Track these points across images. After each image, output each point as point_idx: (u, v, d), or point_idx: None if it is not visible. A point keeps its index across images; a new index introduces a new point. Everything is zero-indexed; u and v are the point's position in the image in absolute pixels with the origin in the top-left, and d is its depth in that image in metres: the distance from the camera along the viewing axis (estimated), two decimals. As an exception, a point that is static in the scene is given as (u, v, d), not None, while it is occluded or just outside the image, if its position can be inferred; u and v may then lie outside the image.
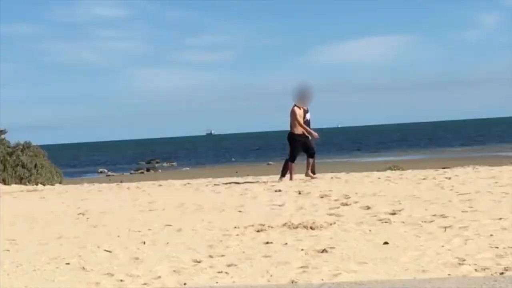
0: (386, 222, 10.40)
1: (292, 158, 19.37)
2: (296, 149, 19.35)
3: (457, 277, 6.54)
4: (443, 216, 10.63)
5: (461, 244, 8.31)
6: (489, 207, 11.35)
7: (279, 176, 19.55)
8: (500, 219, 9.97)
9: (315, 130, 19.26)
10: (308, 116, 19.48)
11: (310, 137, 19.39)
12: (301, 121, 19.04)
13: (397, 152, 70.38)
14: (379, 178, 18.17)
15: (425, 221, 10.20)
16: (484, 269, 6.90)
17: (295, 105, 19.33)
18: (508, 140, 78.30)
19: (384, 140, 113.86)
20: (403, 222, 10.26)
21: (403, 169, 22.74)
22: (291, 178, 19.09)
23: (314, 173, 19.44)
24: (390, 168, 24.31)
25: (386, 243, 8.66)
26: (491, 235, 8.75)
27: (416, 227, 9.73)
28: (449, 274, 6.78)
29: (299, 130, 19.18)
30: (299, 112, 19.09)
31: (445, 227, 9.53)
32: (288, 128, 19.38)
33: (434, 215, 10.74)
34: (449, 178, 16.87)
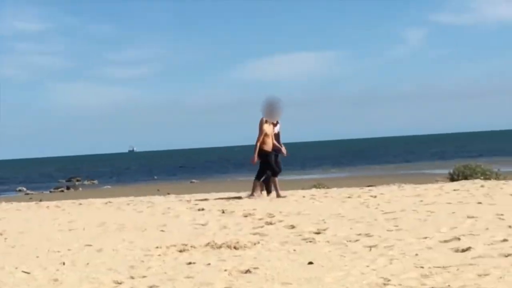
0: (310, 241, 10.43)
1: (258, 176, 18.94)
2: (268, 166, 18.87)
3: (381, 298, 6.57)
4: (368, 235, 10.70)
5: (386, 263, 8.36)
6: (414, 226, 11.46)
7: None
8: (425, 238, 10.07)
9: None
10: (277, 129, 19.25)
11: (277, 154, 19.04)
12: (261, 138, 18.59)
13: (322, 170, 70.94)
14: (303, 197, 18.26)
15: (350, 241, 10.25)
16: (409, 290, 6.95)
17: (263, 119, 18.92)
18: (434, 158, 79.48)
19: (310, 156, 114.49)
20: (328, 242, 10.30)
21: (328, 187, 22.90)
22: (253, 194, 18.86)
23: (268, 192, 19.13)
24: (315, 186, 24.45)
25: (310, 263, 8.67)
26: (416, 254, 8.82)
27: (341, 247, 9.77)
28: (374, 295, 6.81)
29: (268, 147, 18.78)
30: (266, 128, 18.74)
31: (370, 247, 9.59)
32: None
33: (359, 234, 10.81)
34: (375, 197, 17.01)
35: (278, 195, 18.52)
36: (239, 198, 18.70)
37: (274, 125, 19.18)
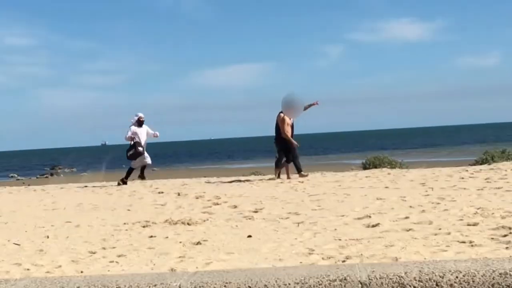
0: (250, 218, 10.41)
1: (288, 160, 18.82)
2: (287, 153, 18.76)
3: (307, 264, 6.56)
4: (296, 213, 10.70)
5: (311, 236, 8.36)
6: (334, 206, 11.49)
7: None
8: (343, 216, 10.09)
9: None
10: (291, 120, 18.97)
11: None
12: (288, 129, 18.60)
13: (260, 160, 70.98)
14: (244, 182, 18.23)
15: (281, 218, 10.24)
16: (329, 258, 6.95)
17: (281, 113, 18.78)
18: (348, 150, 79.97)
19: (250, 149, 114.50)
20: (264, 219, 10.28)
21: (264, 174, 22.84)
22: (279, 176, 18.88)
23: (279, 176, 18.98)
24: (253, 173, 24.38)
25: (249, 236, 8.64)
26: (335, 229, 8.84)
27: (275, 223, 9.76)
28: (301, 262, 6.80)
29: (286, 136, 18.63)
30: (287, 121, 18.65)
31: (298, 223, 9.59)
32: (273, 134, 18.95)
33: (289, 213, 10.80)
34: (302, 182, 17.04)
35: (288, 177, 18.56)
36: (192, 183, 18.64)
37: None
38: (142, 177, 20.55)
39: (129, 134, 20.32)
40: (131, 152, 20.32)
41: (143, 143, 20.45)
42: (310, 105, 19.18)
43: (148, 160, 20.53)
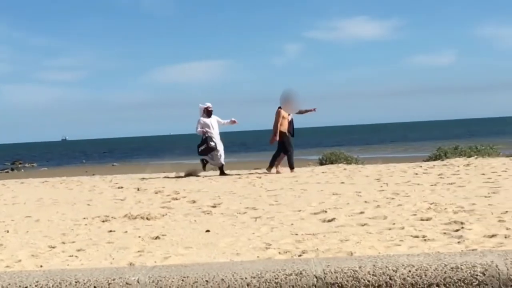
0: (208, 213, 10.40)
1: (284, 152, 18.89)
2: (282, 146, 18.86)
3: (264, 259, 6.58)
4: (254, 208, 10.72)
5: (268, 231, 8.38)
6: (291, 201, 11.53)
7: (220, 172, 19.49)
8: (299, 211, 10.13)
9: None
10: (290, 117, 19.02)
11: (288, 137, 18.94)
12: (284, 122, 18.69)
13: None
14: (203, 177, 18.22)
15: (239, 213, 10.25)
16: (286, 252, 6.97)
17: (279, 109, 18.80)
18: (305, 146, 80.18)
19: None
20: (222, 214, 10.28)
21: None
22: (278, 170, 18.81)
23: (292, 168, 18.86)
24: (212, 169, 24.32)
25: (207, 231, 8.64)
26: (292, 224, 8.87)
27: (232, 218, 9.77)
28: (258, 257, 6.81)
29: (283, 128, 18.72)
30: (283, 114, 18.69)
31: (256, 218, 9.60)
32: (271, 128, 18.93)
33: (247, 208, 10.82)
34: (260, 177, 17.07)
35: (277, 171, 18.61)
36: (151, 178, 18.59)
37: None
38: (222, 173, 19.64)
39: (199, 127, 19.27)
40: (202, 148, 19.34)
41: (215, 135, 19.45)
42: (307, 111, 19.39)
43: (222, 159, 19.57)
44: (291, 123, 19.00)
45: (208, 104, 19.42)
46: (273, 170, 18.90)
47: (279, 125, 18.62)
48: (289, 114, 19.01)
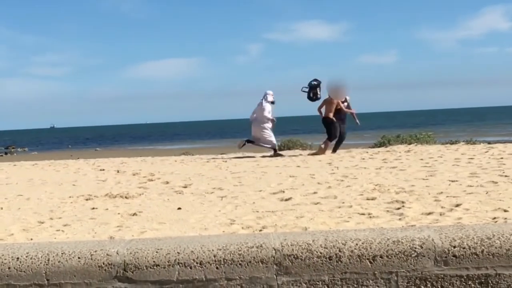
0: (180, 193, 10.37)
1: (332, 137, 18.45)
2: (334, 129, 18.34)
3: (228, 233, 6.58)
4: (220, 189, 10.72)
5: (233, 209, 8.39)
6: (253, 182, 11.55)
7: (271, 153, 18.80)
8: (260, 191, 10.15)
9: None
10: (346, 103, 18.81)
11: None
12: (331, 109, 18.29)
13: (189, 142, 70.85)
14: (175, 161, 18.16)
15: (207, 193, 10.24)
16: (248, 227, 6.99)
17: (328, 97, 18.43)
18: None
19: (180, 132, 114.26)
20: (192, 193, 10.26)
21: (193, 155, 22.79)
22: (324, 153, 18.15)
23: (335, 151, 18.47)
24: (184, 154, 24.27)
25: (179, 208, 8.63)
26: (253, 202, 8.89)
27: (201, 197, 9.76)
28: (223, 231, 6.82)
29: (332, 116, 18.30)
30: (333, 101, 18.36)
31: (222, 197, 9.60)
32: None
33: (214, 188, 10.81)
34: (225, 161, 17.06)
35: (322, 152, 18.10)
36: (130, 161, 18.48)
37: (343, 101, 18.68)
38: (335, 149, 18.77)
39: (270, 115, 18.64)
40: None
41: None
42: (352, 113, 19.19)
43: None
44: (343, 107, 18.61)
45: (271, 92, 18.91)
46: (328, 152, 18.36)
47: (329, 112, 18.37)
48: (343, 101, 18.71)
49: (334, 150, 18.67)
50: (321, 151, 18.28)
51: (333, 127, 18.35)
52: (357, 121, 19.22)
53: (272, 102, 18.83)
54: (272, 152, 18.73)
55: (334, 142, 18.71)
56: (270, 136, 18.67)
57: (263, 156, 18.39)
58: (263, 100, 18.69)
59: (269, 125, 18.67)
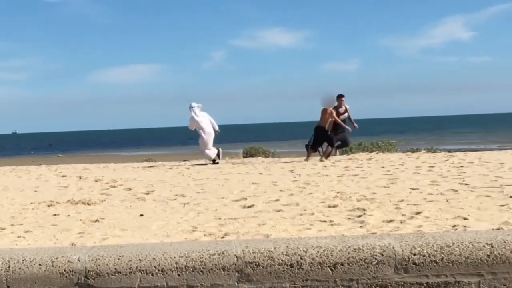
0: (142, 199, 10.32)
1: (331, 144, 18.57)
2: (326, 138, 18.48)
3: (190, 240, 6.56)
4: (183, 195, 10.69)
5: (195, 216, 8.37)
6: (215, 189, 11.54)
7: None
8: (223, 198, 10.14)
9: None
10: (346, 114, 19.08)
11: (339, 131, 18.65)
12: (327, 119, 18.42)
13: (153, 148, 70.53)
14: (138, 168, 18.07)
15: (170, 199, 10.21)
16: (210, 234, 6.98)
17: (325, 108, 18.56)
18: (230, 141, 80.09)
19: (144, 139, 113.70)
20: (155, 200, 10.22)
21: (155, 161, 22.67)
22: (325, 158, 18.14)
23: (327, 158, 18.21)
24: (146, 160, 24.14)
25: (141, 215, 8.59)
26: (216, 209, 8.88)
27: (164, 204, 9.72)
28: (185, 238, 6.81)
29: (328, 125, 18.39)
30: (331, 111, 18.51)
31: (184, 204, 9.58)
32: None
33: (177, 195, 10.78)
34: (188, 168, 17.03)
35: (320, 159, 17.96)
36: (92, 168, 18.32)
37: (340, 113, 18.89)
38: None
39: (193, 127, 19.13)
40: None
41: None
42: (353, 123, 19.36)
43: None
44: (341, 113, 18.88)
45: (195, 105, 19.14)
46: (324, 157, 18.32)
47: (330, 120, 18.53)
48: (342, 113, 18.96)
49: (327, 156, 18.81)
50: (322, 157, 18.37)
51: (323, 135, 18.55)
52: (355, 125, 19.42)
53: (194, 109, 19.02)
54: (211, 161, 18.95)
55: (323, 148, 18.96)
56: (202, 146, 19.02)
57: (226, 163, 18.39)
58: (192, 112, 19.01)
59: (202, 136, 18.94)
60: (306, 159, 18.30)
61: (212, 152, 18.82)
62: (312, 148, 18.71)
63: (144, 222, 7.99)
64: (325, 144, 18.79)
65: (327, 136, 18.50)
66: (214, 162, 18.63)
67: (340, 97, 19.12)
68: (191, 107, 18.99)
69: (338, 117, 18.69)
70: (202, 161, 19.52)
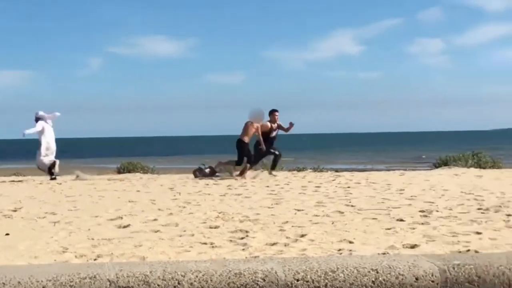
0: (9, 217, 9.97)
1: (251, 161, 18.47)
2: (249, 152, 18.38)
3: (60, 262, 6.36)
4: (53, 213, 10.39)
5: (66, 236, 8.14)
6: (89, 207, 11.30)
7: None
8: (97, 216, 9.93)
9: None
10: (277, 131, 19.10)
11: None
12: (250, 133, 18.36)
13: (22, 161, 68.40)
14: (5, 182, 17.48)
15: (39, 217, 9.90)
16: (82, 256, 6.80)
17: (249, 122, 18.35)
18: (105, 155, 78.87)
19: (11, 151, 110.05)
20: (23, 218, 9.89)
21: (24, 175, 21.99)
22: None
23: (241, 175, 18.02)
24: (14, 174, 23.35)
25: (7, 234, 8.27)
26: (89, 229, 8.67)
27: (32, 222, 9.42)
28: (55, 260, 6.60)
29: (248, 140, 18.37)
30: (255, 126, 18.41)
31: (55, 222, 9.31)
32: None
33: (47, 212, 10.47)
34: (60, 184, 16.62)
35: (236, 177, 17.82)
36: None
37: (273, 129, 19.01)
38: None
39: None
40: None
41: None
42: (289, 128, 19.29)
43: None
44: (271, 131, 19.02)
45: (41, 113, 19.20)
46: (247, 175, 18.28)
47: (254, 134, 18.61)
48: (275, 129, 19.05)
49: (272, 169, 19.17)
50: (240, 174, 18.30)
51: (244, 150, 18.52)
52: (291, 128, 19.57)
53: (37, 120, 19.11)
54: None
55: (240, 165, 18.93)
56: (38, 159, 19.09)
57: (100, 179, 18.07)
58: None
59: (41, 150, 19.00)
60: (242, 176, 18.15)
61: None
62: (251, 165, 18.74)
63: (10, 242, 7.69)
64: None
65: (247, 151, 18.53)
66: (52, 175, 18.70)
67: (273, 112, 19.27)
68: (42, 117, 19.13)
69: (271, 132, 18.94)
70: (74, 176, 19.12)
